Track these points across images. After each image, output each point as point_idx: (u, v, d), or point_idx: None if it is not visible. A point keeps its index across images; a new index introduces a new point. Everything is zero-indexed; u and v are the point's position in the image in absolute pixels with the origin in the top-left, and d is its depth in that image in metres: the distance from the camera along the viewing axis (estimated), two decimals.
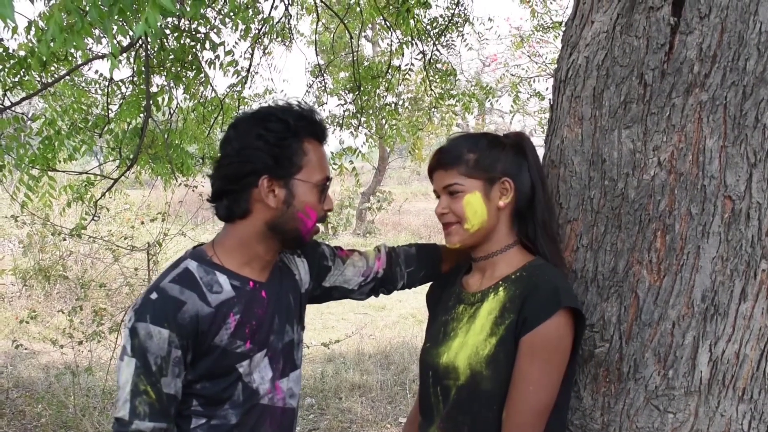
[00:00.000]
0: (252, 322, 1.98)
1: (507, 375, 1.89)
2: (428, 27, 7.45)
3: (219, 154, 2.02)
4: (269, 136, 1.93)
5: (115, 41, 2.34)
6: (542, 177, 2.06)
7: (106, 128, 5.85)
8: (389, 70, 7.63)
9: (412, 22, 6.46)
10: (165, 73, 5.72)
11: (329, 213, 2.08)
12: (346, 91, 8.48)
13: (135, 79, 5.99)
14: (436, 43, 7.52)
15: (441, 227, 2.13)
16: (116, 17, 2.29)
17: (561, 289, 1.89)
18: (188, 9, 3.94)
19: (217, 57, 5.80)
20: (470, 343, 1.96)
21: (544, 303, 1.87)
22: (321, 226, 2.09)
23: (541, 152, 2.21)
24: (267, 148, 1.92)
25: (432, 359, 2.07)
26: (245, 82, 6.43)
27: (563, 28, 2.33)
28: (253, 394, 2.01)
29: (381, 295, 2.42)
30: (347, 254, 2.33)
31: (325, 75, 9.06)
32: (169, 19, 5.44)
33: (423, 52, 7.39)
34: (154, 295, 1.88)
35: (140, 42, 5.19)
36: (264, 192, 1.93)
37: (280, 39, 7.42)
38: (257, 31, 6.32)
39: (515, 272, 2.01)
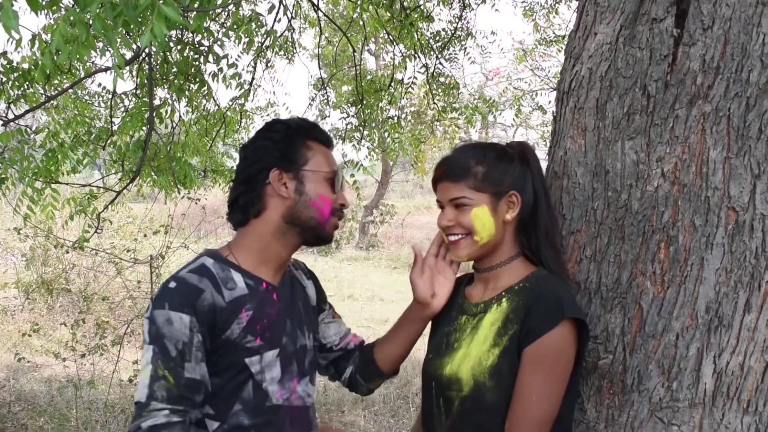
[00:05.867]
0: (264, 321, 2.02)
1: (510, 386, 1.89)
2: (431, 41, 7.47)
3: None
4: (274, 135, 2.08)
5: (119, 53, 2.35)
6: (545, 187, 2.06)
7: (109, 141, 5.86)
8: (392, 84, 7.64)
9: (415, 35, 6.48)
10: (168, 86, 5.72)
11: (345, 209, 2.15)
12: (349, 105, 8.52)
13: (138, 91, 6.00)
14: (439, 56, 7.53)
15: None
16: (120, 30, 2.29)
17: (565, 300, 1.89)
18: (191, 22, 3.95)
19: (220, 70, 5.81)
20: (473, 354, 1.96)
21: (548, 313, 1.87)
22: (339, 222, 2.16)
23: (544, 164, 2.20)
24: (273, 145, 2.06)
25: (434, 370, 2.06)
26: (248, 95, 6.44)
27: (566, 41, 2.33)
28: (263, 395, 2.03)
29: (328, 376, 2.43)
30: (337, 315, 2.41)
31: (327, 88, 9.07)
32: (173, 32, 5.45)
33: (426, 66, 7.41)
34: (172, 284, 1.93)
35: (143, 55, 5.20)
36: (276, 185, 2.03)
37: (282, 52, 7.43)
38: (260, 45, 6.34)
39: (518, 283, 2.01)
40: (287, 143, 2.07)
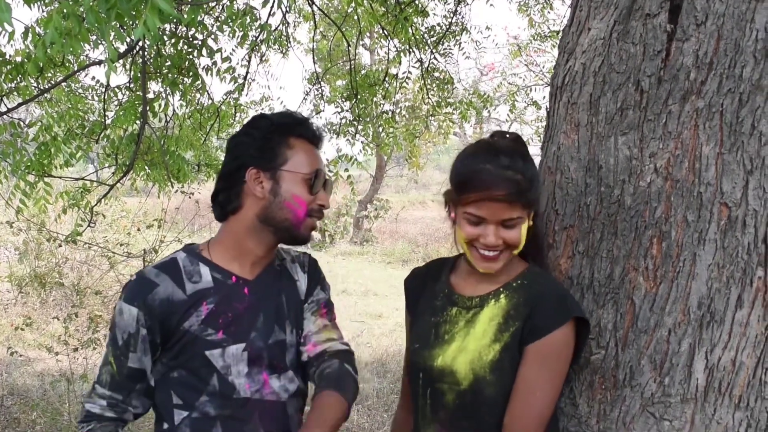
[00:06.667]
0: (228, 314, 2.03)
1: (509, 380, 1.90)
2: (426, 35, 7.46)
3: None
4: (255, 132, 2.07)
5: (112, 46, 2.34)
6: None
7: (102, 134, 5.84)
8: (386, 78, 7.64)
9: (409, 30, 6.47)
10: (161, 80, 5.71)
11: (324, 209, 2.13)
12: (343, 99, 8.49)
13: (131, 85, 5.98)
14: (434, 51, 7.53)
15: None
16: (114, 22, 2.28)
17: (569, 299, 1.91)
18: (185, 15, 3.94)
19: (214, 64, 5.79)
20: (471, 348, 1.95)
21: (555, 312, 1.88)
22: (318, 223, 2.14)
23: (537, 160, 2.20)
24: (252, 142, 2.06)
25: (424, 361, 2.04)
26: (242, 89, 6.44)
27: (560, 36, 2.33)
28: (230, 388, 2.02)
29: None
30: (325, 315, 2.25)
31: (322, 83, 9.08)
32: (166, 25, 5.44)
33: (420, 61, 7.40)
34: (134, 278, 2.04)
35: (137, 48, 5.19)
36: (251, 184, 2.03)
37: (277, 46, 7.41)
38: (254, 38, 6.32)
39: (515, 280, 2.00)
40: (267, 141, 2.05)
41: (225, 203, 2.08)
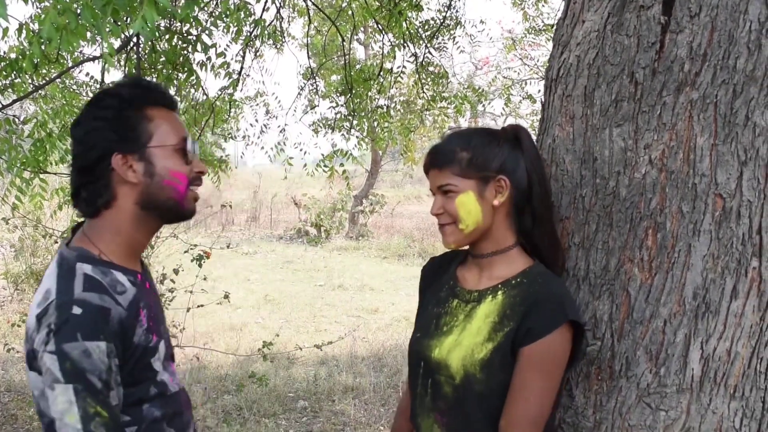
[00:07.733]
0: (152, 314, 1.87)
1: (499, 381, 1.89)
2: (420, 30, 7.46)
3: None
4: (105, 113, 1.82)
5: (109, 42, 2.34)
6: (540, 170, 2.00)
7: None
8: (381, 73, 7.64)
9: (404, 24, 6.47)
10: (156, 75, 5.70)
11: (203, 176, 1.96)
12: (338, 94, 8.50)
13: None
14: (428, 45, 7.53)
15: (433, 230, 2.12)
16: (109, 18, 2.29)
17: (566, 302, 1.90)
18: (180, 11, 3.93)
19: (209, 59, 5.80)
20: (465, 344, 1.95)
21: (550, 315, 1.86)
22: (198, 192, 1.96)
23: None
24: (106, 126, 1.81)
25: (423, 350, 2.06)
26: (236, 85, 6.43)
27: (555, 29, 2.33)
28: (163, 386, 1.91)
29: None
30: None
31: (316, 78, 9.07)
32: (161, 21, 5.44)
33: (415, 55, 7.40)
34: (77, 310, 1.67)
35: (132, 44, 5.19)
36: (122, 171, 1.80)
37: (271, 41, 7.41)
38: (249, 34, 6.32)
39: (515, 277, 1.98)
40: (123, 120, 1.81)
41: (93, 198, 1.83)
